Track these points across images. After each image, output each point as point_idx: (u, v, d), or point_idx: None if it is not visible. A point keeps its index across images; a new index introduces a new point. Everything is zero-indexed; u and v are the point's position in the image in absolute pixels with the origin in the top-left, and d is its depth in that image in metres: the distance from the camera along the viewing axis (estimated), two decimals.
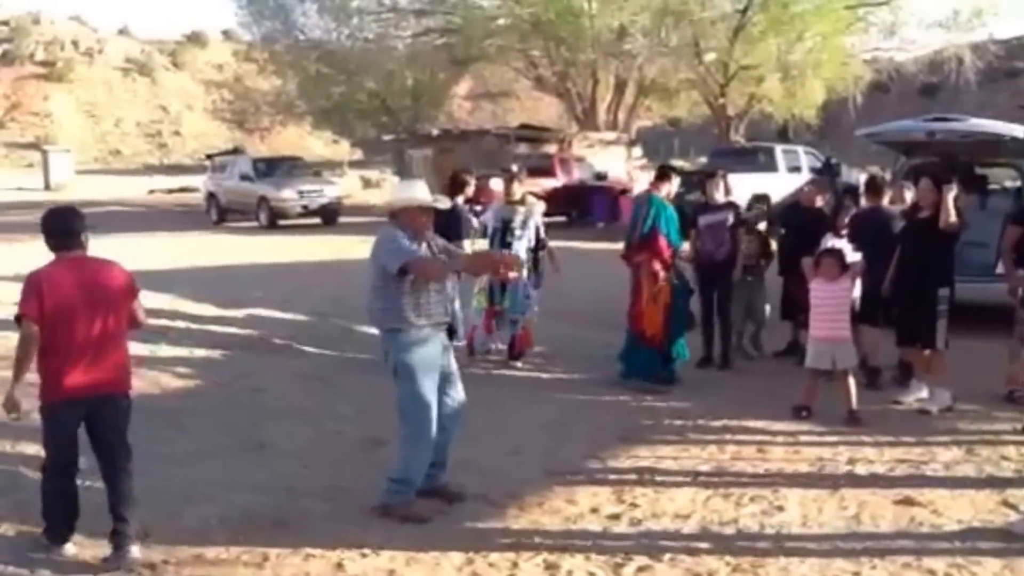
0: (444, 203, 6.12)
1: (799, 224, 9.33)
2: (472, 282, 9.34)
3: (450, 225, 8.07)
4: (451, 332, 5.85)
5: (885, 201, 8.61)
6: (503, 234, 9.20)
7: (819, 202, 9.44)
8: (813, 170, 19.29)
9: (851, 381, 7.31)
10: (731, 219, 9.22)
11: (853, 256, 8.20)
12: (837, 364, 7.31)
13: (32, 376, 5.01)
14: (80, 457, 5.07)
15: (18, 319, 4.86)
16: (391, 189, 5.88)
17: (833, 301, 7.44)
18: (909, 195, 8.75)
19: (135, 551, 4.90)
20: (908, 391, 7.81)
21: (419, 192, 5.66)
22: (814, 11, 26.60)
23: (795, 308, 9.28)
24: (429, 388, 5.42)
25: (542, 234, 9.36)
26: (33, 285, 4.85)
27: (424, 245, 5.50)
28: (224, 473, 6.23)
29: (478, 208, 9.45)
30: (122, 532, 4.90)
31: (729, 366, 9.10)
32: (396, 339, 5.42)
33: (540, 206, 9.65)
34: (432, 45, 33.65)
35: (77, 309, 4.86)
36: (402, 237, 5.42)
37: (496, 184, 9.70)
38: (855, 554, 4.85)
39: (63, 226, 5.04)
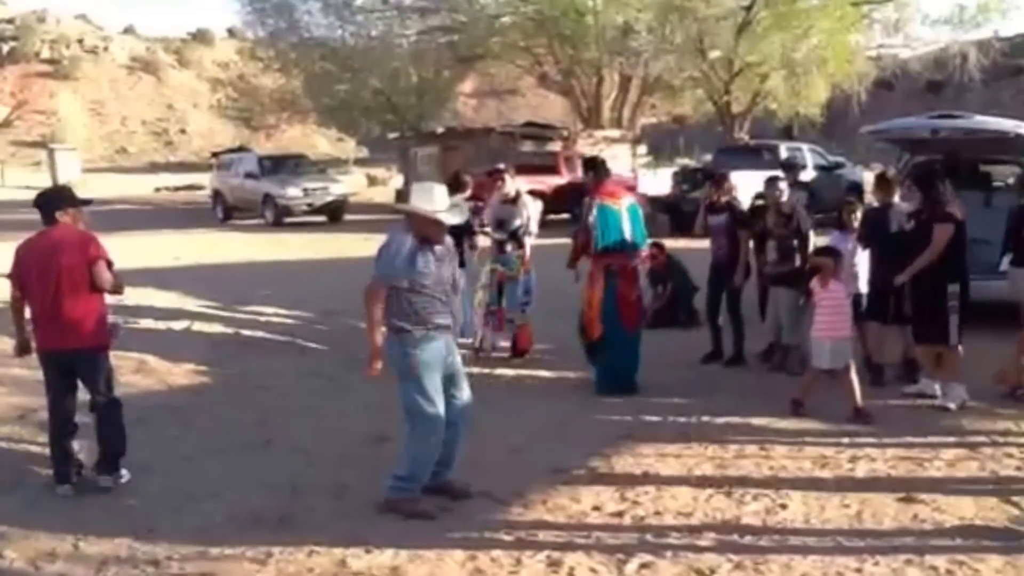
0: (458, 218, 5.87)
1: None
2: (475, 281, 9.38)
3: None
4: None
5: (896, 198, 8.56)
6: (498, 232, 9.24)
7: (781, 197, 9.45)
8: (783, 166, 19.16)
9: (855, 379, 7.31)
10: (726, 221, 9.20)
11: (861, 254, 8.21)
12: (839, 363, 7.31)
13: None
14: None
15: (8, 277, 5.92)
16: (414, 191, 5.74)
17: (832, 302, 7.44)
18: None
19: (105, 480, 5.85)
20: (916, 386, 7.83)
21: (436, 201, 5.49)
22: (819, 8, 26.55)
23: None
24: (433, 387, 5.43)
25: (530, 228, 9.34)
26: (15, 253, 5.91)
27: (432, 253, 5.46)
28: (229, 470, 6.27)
29: (480, 205, 9.47)
30: (100, 466, 5.88)
31: (743, 362, 9.09)
32: (401, 339, 5.42)
33: (536, 205, 9.65)
34: (436, 43, 33.64)
35: (32, 274, 5.78)
36: (405, 245, 5.37)
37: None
38: (857, 551, 4.86)
39: (41, 203, 5.96)
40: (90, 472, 5.99)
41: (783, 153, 22.05)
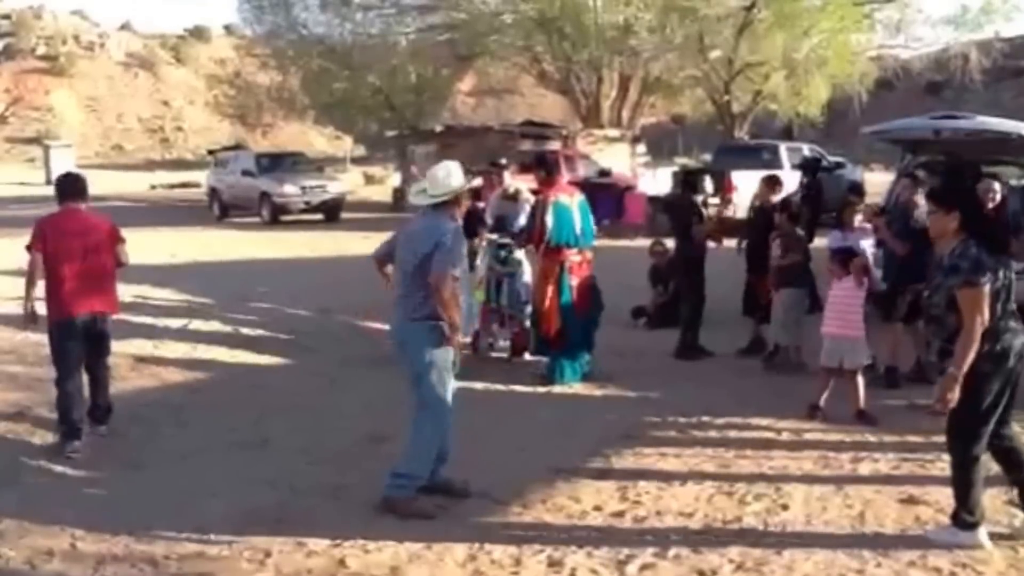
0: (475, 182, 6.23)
1: (760, 221, 9.38)
2: (472, 278, 9.32)
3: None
4: None
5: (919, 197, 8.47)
6: (498, 231, 9.18)
7: (774, 198, 9.53)
8: (795, 166, 19.16)
9: (860, 380, 7.25)
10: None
11: (868, 253, 8.17)
12: (845, 363, 7.25)
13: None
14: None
15: (28, 249, 6.54)
16: (438, 176, 5.65)
17: (840, 298, 7.39)
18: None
19: (102, 429, 6.77)
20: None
21: (462, 176, 5.56)
22: (821, 7, 26.51)
23: (756, 305, 9.30)
24: (450, 378, 5.46)
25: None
26: (40, 227, 6.58)
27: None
28: (226, 469, 6.23)
29: (480, 205, 9.38)
30: (95, 415, 6.75)
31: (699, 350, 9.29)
32: (432, 331, 5.36)
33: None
34: (435, 41, 33.58)
35: (72, 248, 6.49)
36: (459, 234, 5.42)
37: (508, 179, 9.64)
38: (859, 552, 4.82)
39: (68, 184, 6.75)
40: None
41: (783, 152, 22.04)
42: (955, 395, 4.71)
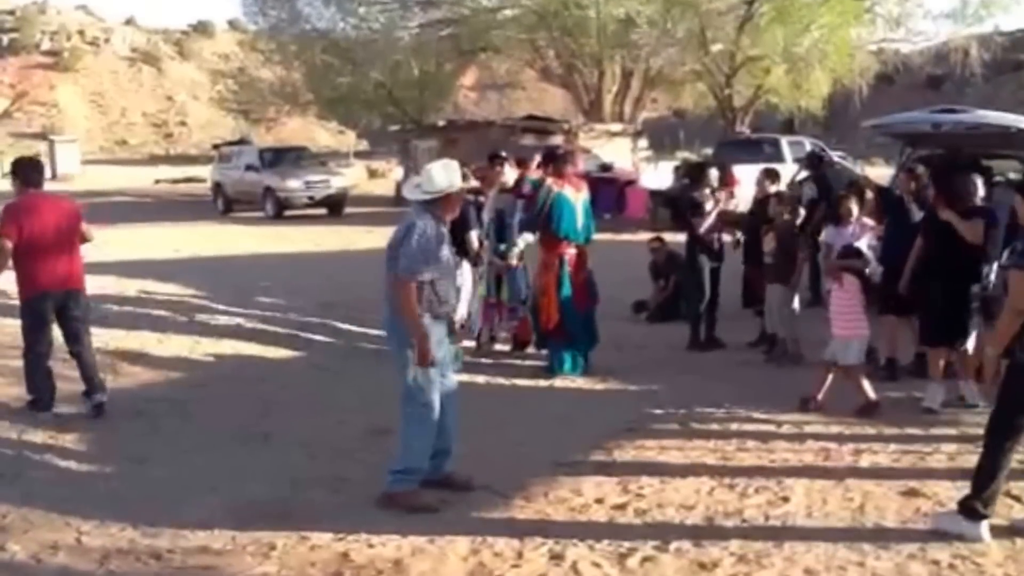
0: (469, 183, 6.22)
1: (760, 214, 9.43)
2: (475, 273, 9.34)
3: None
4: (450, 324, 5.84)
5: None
6: (498, 224, 9.20)
7: (772, 189, 9.58)
8: (798, 160, 19.14)
9: (861, 376, 7.24)
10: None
11: (864, 247, 8.18)
12: (837, 360, 7.27)
13: None
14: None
15: None
16: (432, 174, 5.64)
17: (835, 298, 7.41)
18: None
19: (100, 396, 7.13)
20: (929, 393, 7.40)
21: (459, 176, 5.55)
22: (821, 2, 26.49)
23: (755, 298, 9.33)
24: (433, 376, 5.43)
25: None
26: (12, 212, 6.90)
27: (445, 237, 5.49)
28: (229, 463, 6.26)
29: (481, 199, 9.40)
30: (91, 390, 7.15)
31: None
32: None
33: None
34: (438, 36, 33.55)
35: (47, 230, 6.88)
36: (430, 234, 5.32)
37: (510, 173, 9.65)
38: (859, 545, 4.84)
39: (33, 169, 7.21)
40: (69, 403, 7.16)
41: (784, 146, 22.02)
42: (990, 370, 4.80)
